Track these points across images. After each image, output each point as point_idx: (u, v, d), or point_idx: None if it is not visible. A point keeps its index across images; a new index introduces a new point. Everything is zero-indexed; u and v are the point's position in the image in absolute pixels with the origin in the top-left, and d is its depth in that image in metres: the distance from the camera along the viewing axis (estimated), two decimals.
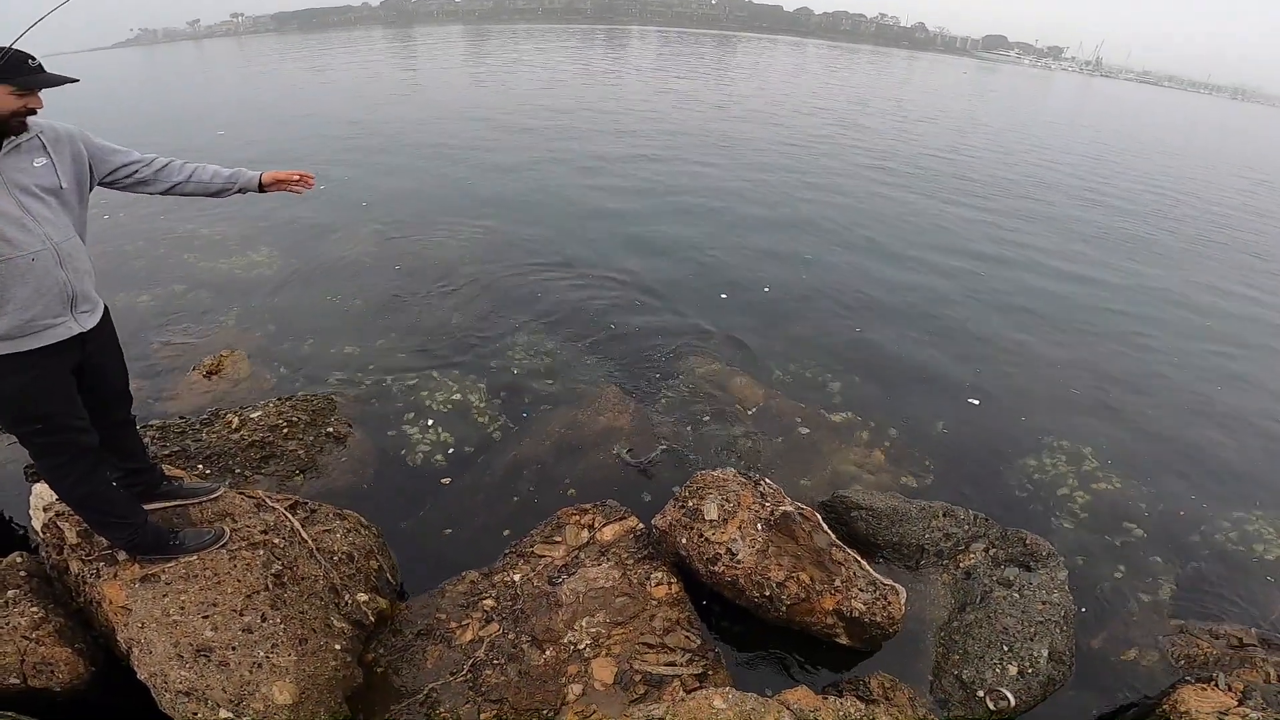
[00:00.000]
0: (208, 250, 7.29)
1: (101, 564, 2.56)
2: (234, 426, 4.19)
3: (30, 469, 3.78)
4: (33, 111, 2.18)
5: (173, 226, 8.03)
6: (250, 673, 2.23)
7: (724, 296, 6.78)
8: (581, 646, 2.69)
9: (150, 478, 2.88)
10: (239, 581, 2.53)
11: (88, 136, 2.42)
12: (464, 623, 2.85)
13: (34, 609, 2.49)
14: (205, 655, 2.21)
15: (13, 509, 3.60)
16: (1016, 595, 3.29)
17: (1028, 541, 3.63)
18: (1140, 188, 14.54)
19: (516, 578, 3.09)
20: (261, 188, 2.76)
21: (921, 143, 16.88)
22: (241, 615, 2.37)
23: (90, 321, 2.36)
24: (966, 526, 3.75)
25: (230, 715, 2.13)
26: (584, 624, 2.79)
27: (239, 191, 2.73)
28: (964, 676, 2.96)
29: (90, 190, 2.46)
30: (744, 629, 3.12)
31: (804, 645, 3.05)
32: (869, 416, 4.91)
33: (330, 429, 4.27)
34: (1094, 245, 9.75)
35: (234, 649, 2.26)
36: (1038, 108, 34.41)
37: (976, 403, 5.28)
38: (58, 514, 2.76)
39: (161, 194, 2.64)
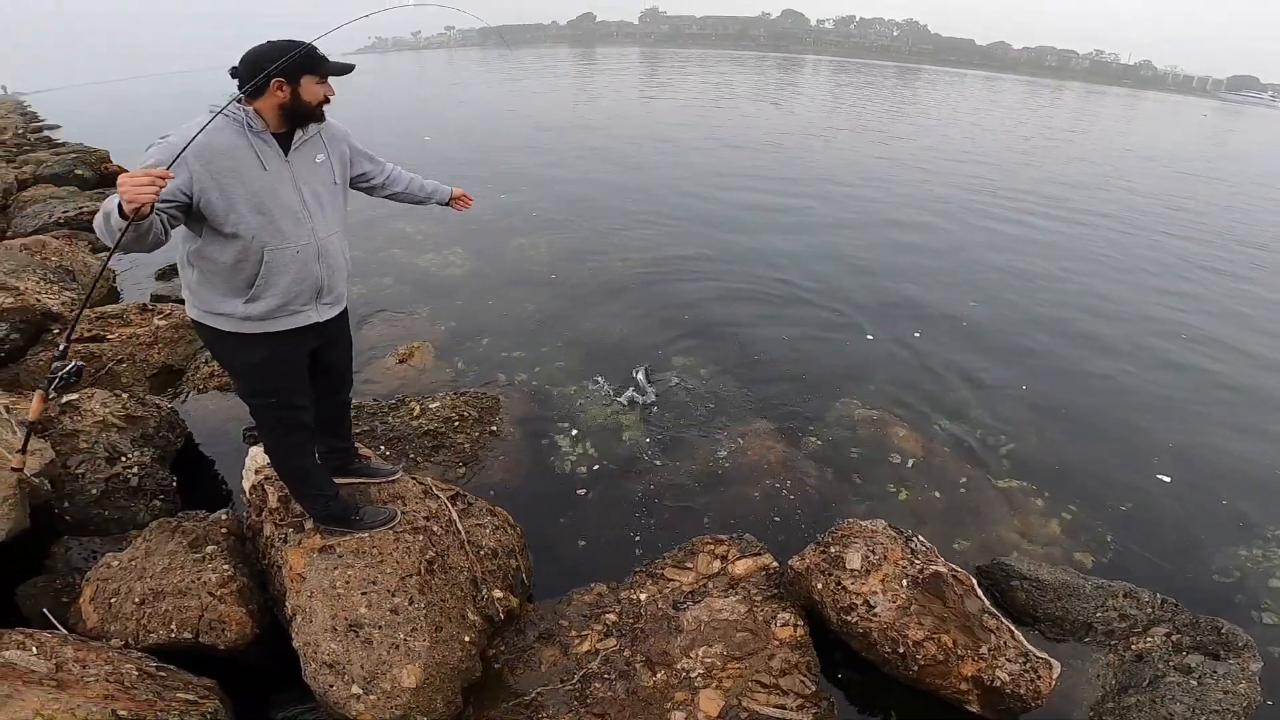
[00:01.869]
0: (412, 248, 8.19)
1: (290, 530, 2.91)
2: (415, 414, 4.64)
3: (249, 433, 4.43)
4: (327, 100, 2.36)
5: (388, 224, 9.09)
6: (388, 653, 2.44)
7: (916, 335, 6.48)
8: (693, 675, 2.70)
9: (346, 456, 3.23)
10: (398, 563, 2.78)
11: (352, 138, 2.63)
12: (584, 633, 2.96)
13: (225, 566, 2.75)
14: (355, 631, 2.46)
15: (227, 469, 4.23)
16: (1194, 683, 2.86)
17: (1223, 630, 3.14)
18: None
19: (642, 597, 3.16)
20: (449, 201, 3.17)
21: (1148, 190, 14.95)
22: (393, 596, 2.61)
23: (330, 313, 2.56)
24: (1150, 610, 3.32)
25: (360, 691, 2.34)
26: (700, 653, 2.80)
27: (439, 203, 3.14)
28: None
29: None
30: (864, 682, 2.96)
31: (927, 707, 2.84)
32: (1044, 486, 4.44)
33: (494, 427, 4.61)
34: None
35: (379, 628, 2.49)
36: None
37: (1168, 480, 4.63)
38: (266, 478, 3.16)
39: (382, 198, 2.95)
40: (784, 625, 2.93)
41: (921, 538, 3.28)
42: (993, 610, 2.87)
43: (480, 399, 4.85)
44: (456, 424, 4.54)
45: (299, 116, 2.30)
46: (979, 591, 2.94)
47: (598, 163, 13.27)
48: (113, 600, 2.65)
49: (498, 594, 3.03)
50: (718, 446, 4.63)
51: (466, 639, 2.71)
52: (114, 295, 7.14)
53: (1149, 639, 3.18)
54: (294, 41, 2.25)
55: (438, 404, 4.71)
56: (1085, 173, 15.95)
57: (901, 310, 7.06)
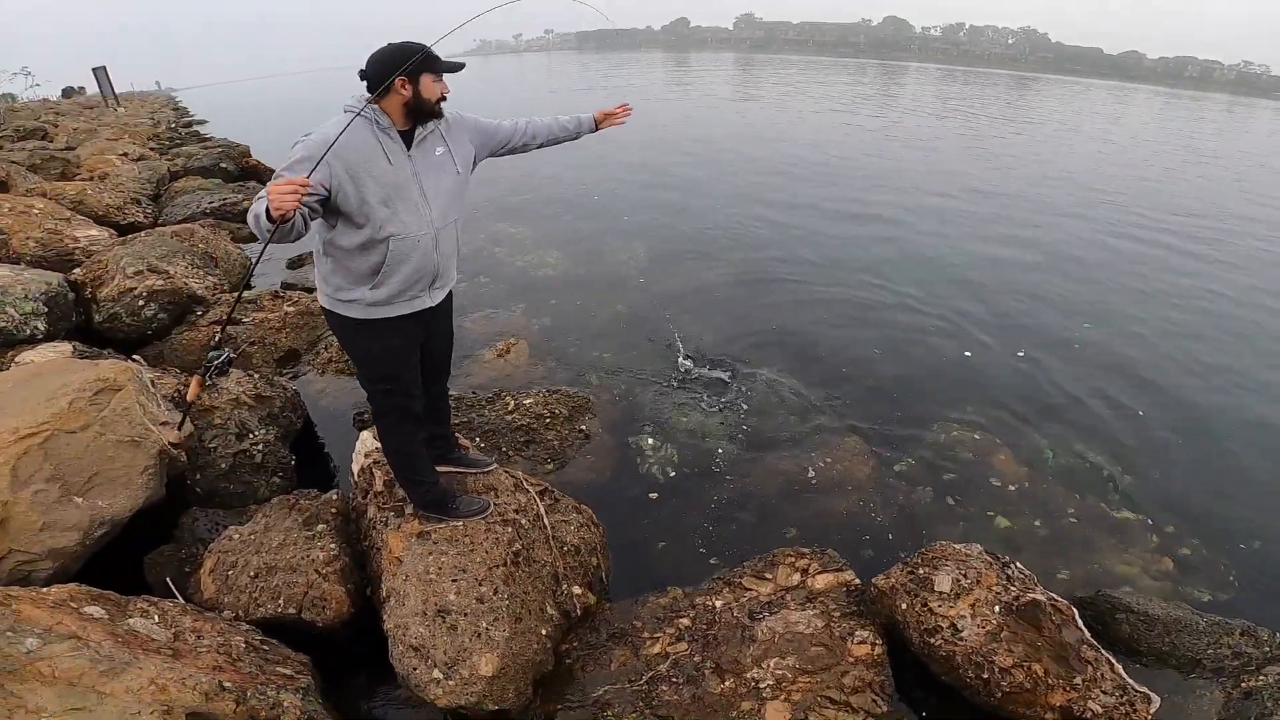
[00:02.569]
0: (511, 248, 8.52)
1: (392, 513, 3.10)
2: (510, 409, 4.84)
3: (360, 417, 4.74)
4: (445, 98, 2.51)
5: (490, 225, 9.48)
6: (469, 640, 2.54)
7: (1020, 354, 6.20)
8: (763, 685, 2.70)
9: (446, 444, 3.40)
10: (487, 553, 2.91)
11: (473, 118, 2.76)
12: (656, 635, 3.02)
13: (332, 545, 2.91)
14: (442, 616, 2.60)
15: (338, 451, 4.54)
16: None
17: None
18: None
19: (718, 604, 3.19)
20: (596, 127, 3.14)
21: None
22: (480, 585, 2.74)
23: (440, 298, 2.71)
24: (1269, 649, 3.11)
25: (440, 676, 2.45)
26: (772, 664, 2.79)
27: (585, 134, 3.15)
28: None
29: (476, 165, 2.82)
30: (941, 705, 2.87)
31: None
32: (1164, 520, 4.15)
33: (583, 426, 4.74)
34: None
35: (465, 615, 2.61)
36: None
37: None
38: (374, 462, 3.36)
39: (530, 151, 3.05)
40: (861, 643, 2.89)
41: (1020, 564, 3.15)
42: (1092, 642, 2.74)
43: (572, 398, 5.00)
44: (548, 421, 4.70)
45: (420, 113, 2.46)
46: (1079, 622, 2.81)
47: (694, 169, 13.31)
48: (230, 572, 2.90)
49: (577, 590, 3.13)
50: (805, 458, 4.59)
51: (543, 632, 2.82)
52: (248, 282, 7.78)
53: (1262, 677, 2.97)
54: (413, 43, 2.43)
55: (531, 400, 4.88)
56: (1225, 193, 14.66)
57: (1009, 328, 6.74)
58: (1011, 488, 4.40)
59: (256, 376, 4.55)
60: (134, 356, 5.12)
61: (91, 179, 10.71)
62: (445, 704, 2.46)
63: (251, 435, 4.09)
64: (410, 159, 2.48)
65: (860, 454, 4.64)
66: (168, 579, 3.13)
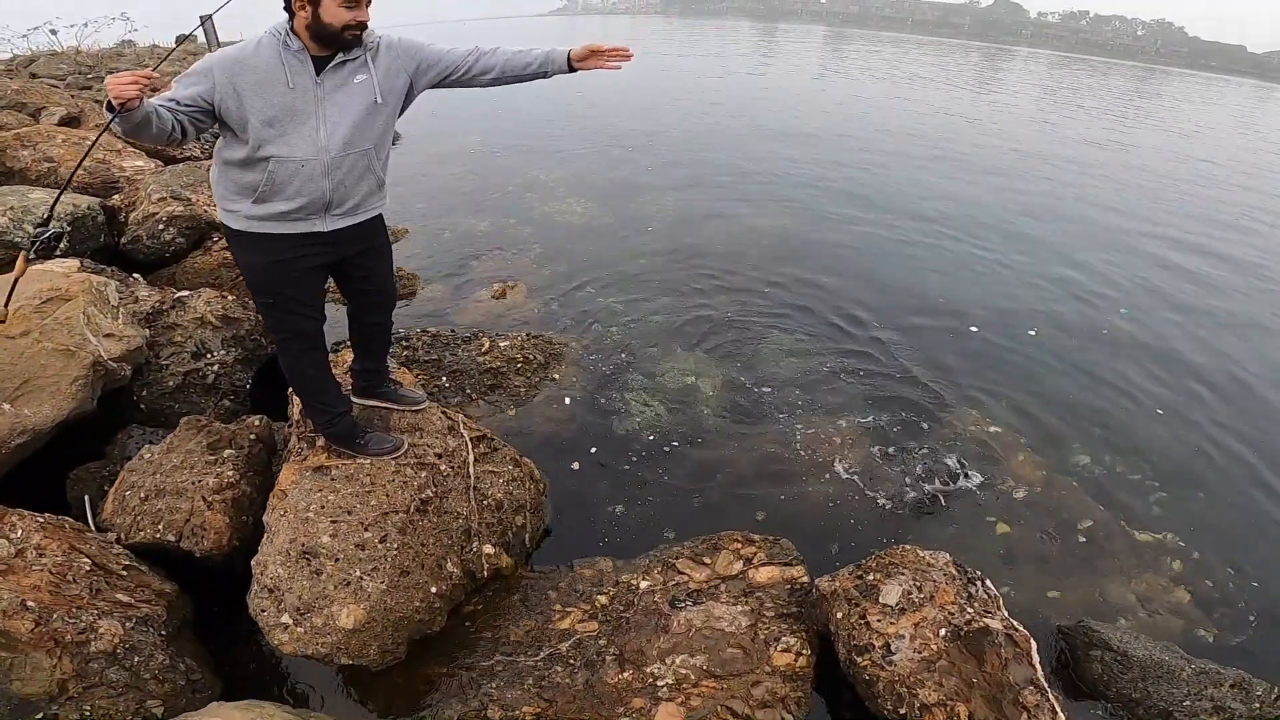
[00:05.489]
0: (542, 193, 8.29)
1: (305, 444, 2.92)
2: (484, 349, 4.60)
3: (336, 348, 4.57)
4: (363, 25, 2.34)
5: (526, 171, 9.28)
6: (334, 589, 2.33)
7: (1032, 333, 5.56)
8: (660, 683, 2.38)
9: (377, 378, 3.20)
10: (387, 497, 2.68)
11: (415, 45, 2.56)
12: (569, 610, 2.73)
13: (230, 473, 2.75)
14: (308, 558, 2.38)
15: None
16: None
17: None
18: None
19: (643, 585, 2.87)
20: (571, 67, 2.70)
21: None
22: (365, 530, 2.51)
23: (339, 224, 2.52)
24: (1258, 706, 2.60)
25: (289, 622, 2.25)
26: (678, 660, 2.47)
27: (554, 73, 2.71)
28: None
29: (415, 95, 2.62)
30: None
31: None
32: (1191, 547, 3.58)
33: (556, 375, 4.46)
34: None
35: (336, 560, 2.39)
36: None
37: None
38: None
39: (483, 87, 2.72)
40: (785, 650, 2.53)
41: (989, 583, 2.70)
42: (1041, 684, 2.29)
43: (550, 343, 4.72)
44: (519, 365, 4.44)
45: (327, 39, 2.31)
46: (1034, 659, 2.36)
47: (754, 139, 12.53)
48: (127, 493, 2.76)
49: (489, 549, 2.87)
50: (795, 436, 4.17)
51: (433, 589, 2.56)
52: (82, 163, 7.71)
53: None
54: None
55: (507, 343, 4.63)
56: None
57: (1063, 319, 6.00)
58: (1022, 492, 3.88)
59: (230, 298, 4.44)
60: (133, 275, 5.12)
61: None
62: (290, 651, 2.26)
63: (209, 355, 3.98)
64: (319, 84, 2.35)
65: (858, 438, 4.19)
66: (85, 497, 3.04)
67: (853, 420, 4.34)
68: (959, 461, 4.04)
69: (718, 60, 28.23)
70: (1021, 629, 2.47)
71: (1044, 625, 3.03)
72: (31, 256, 2.27)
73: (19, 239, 4.77)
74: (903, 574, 2.64)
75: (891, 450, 4.13)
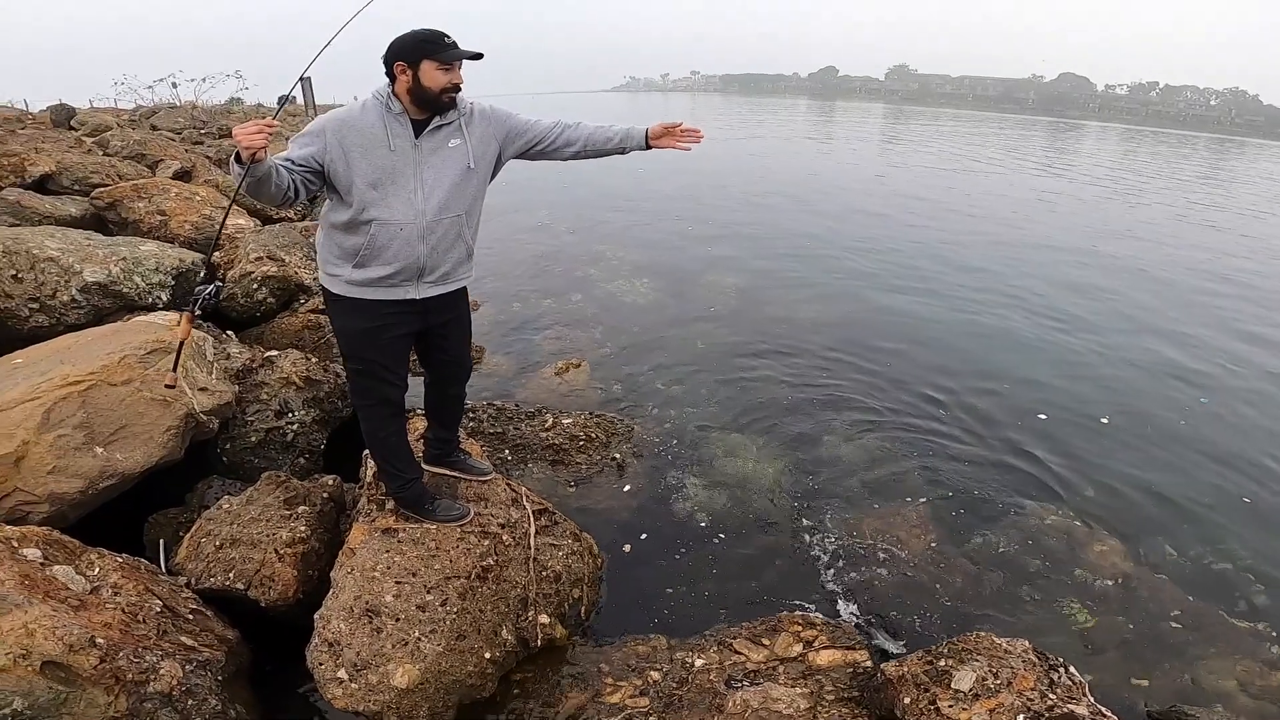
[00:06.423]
0: (606, 271, 8.53)
1: (375, 506, 3.02)
2: (547, 425, 4.69)
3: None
4: (458, 88, 2.44)
5: (591, 246, 9.63)
6: (392, 648, 2.35)
7: (1105, 420, 5.36)
8: None
9: (448, 446, 3.30)
10: (450, 562, 2.73)
11: (505, 113, 2.66)
12: (620, 684, 2.68)
13: (303, 528, 2.86)
14: (370, 616, 2.42)
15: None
16: None
17: None
18: None
19: (698, 662, 2.81)
20: (648, 145, 2.80)
21: None
22: (427, 593, 2.55)
23: (431, 291, 2.60)
24: None
25: (345, 677, 2.27)
26: None
27: (631, 149, 2.82)
28: None
29: (503, 163, 2.72)
30: None
31: None
32: None
33: (617, 454, 4.49)
34: None
35: (397, 620, 2.43)
36: None
37: None
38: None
39: (565, 160, 2.82)
40: None
41: (1073, 670, 2.56)
42: None
43: (612, 423, 4.78)
44: (581, 443, 4.50)
45: (426, 102, 2.41)
46: None
47: (816, 218, 12.74)
48: (203, 540, 2.88)
49: (544, 619, 2.86)
50: (859, 521, 4.07)
51: (487, 655, 2.56)
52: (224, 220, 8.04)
53: None
54: (421, 30, 2.40)
55: (570, 420, 4.71)
56: None
57: (1122, 403, 5.76)
58: (1105, 581, 3.68)
59: (313, 360, 4.68)
60: (227, 332, 5.46)
61: None
62: (341, 705, 2.28)
63: (290, 415, 4.18)
64: (417, 147, 2.45)
65: (925, 523, 4.07)
66: (160, 540, 3.18)
67: (920, 505, 4.23)
68: (1034, 548, 3.88)
69: (780, 141, 29.01)
70: (1110, 714, 2.32)
71: (1133, 711, 2.87)
72: (197, 313, 2.40)
73: (127, 289, 5.13)
74: (977, 660, 2.52)
75: (961, 536, 3.99)
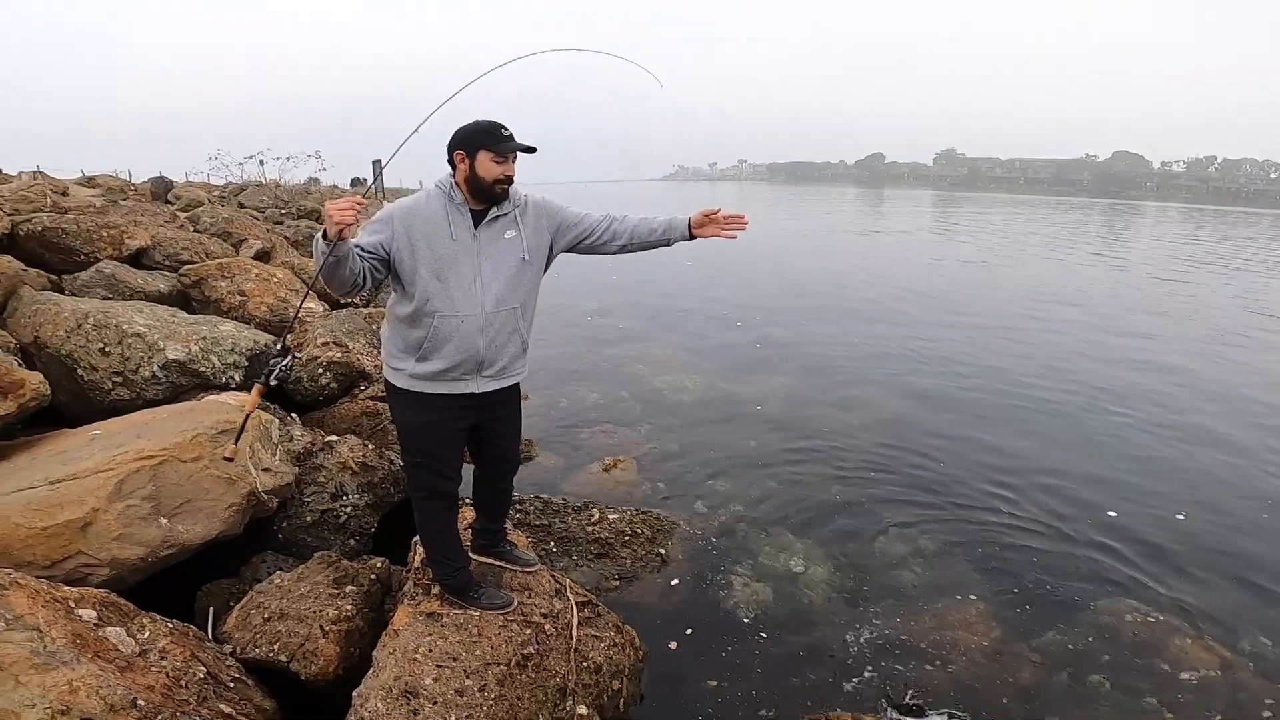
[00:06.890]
0: (654, 367, 8.61)
1: (421, 590, 3.05)
2: (594, 520, 4.69)
3: None
4: (510, 179, 2.47)
5: (639, 341, 9.88)
6: None
7: (1181, 516, 5.09)
8: None
9: (495, 538, 3.34)
10: (491, 649, 2.71)
11: (557, 206, 2.69)
12: None
13: (349, 607, 2.90)
14: (407, 698, 2.39)
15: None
16: None
17: None
18: None
19: None
20: (691, 234, 2.78)
21: None
22: (466, 678, 2.53)
23: (489, 386, 2.62)
24: None
25: None
26: None
27: (676, 240, 2.81)
28: None
29: (554, 256, 2.73)
30: None
31: None
32: None
33: (662, 550, 4.44)
34: None
35: (434, 703, 2.39)
36: None
37: None
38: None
39: (612, 254, 2.83)
40: None
41: None
42: None
43: (658, 520, 4.77)
44: (627, 538, 4.48)
45: (480, 192, 2.47)
46: None
47: (860, 310, 12.79)
48: (252, 611, 2.93)
49: (581, 710, 2.78)
50: (913, 618, 3.91)
51: None
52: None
53: None
54: (482, 121, 2.47)
55: (616, 516, 4.70)
56: None
57: (1196, 498, 5.46)
58: (1187, 675, 3.43)
59: (370, 447, 4.82)
60: (291, 415, 5.68)
61: None
62: None
63: (345, 498, 4.28)
64: (475, 237, 2.51)
65: (986, 620, 3.87)
66: (210, 608, 3.24)
67: (978, 602, 4.04)
68: (1107, 643, 3.67)
69: (828, 233, 29.43)
70: None
71: None
72: (272, 383, 2.50)
73: (204, 368, 5.36)
74: None
75: (1024, 633, 3.79)
